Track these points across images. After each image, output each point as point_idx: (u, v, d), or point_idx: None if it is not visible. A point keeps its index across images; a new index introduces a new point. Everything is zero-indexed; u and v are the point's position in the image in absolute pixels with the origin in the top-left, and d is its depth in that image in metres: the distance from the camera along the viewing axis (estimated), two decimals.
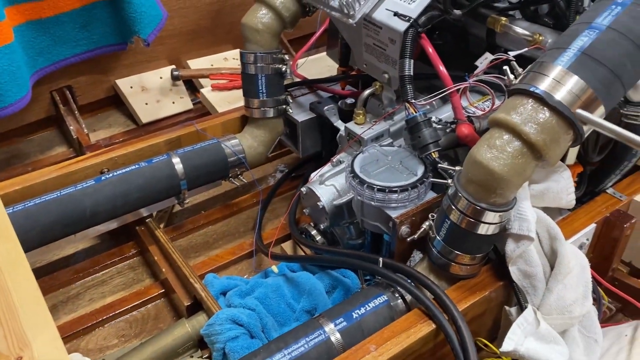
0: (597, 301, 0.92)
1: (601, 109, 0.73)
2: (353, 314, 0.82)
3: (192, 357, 1.03)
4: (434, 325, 0.79)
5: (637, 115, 0.89)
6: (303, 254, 1.18)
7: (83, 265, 1.21)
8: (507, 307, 0.87)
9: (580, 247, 0.97)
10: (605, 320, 1.04)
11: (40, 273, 1.19)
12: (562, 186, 0.91)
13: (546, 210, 0.97)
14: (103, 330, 1.11)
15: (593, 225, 0.98)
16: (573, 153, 0.97)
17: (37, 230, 1.02)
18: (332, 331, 0.79)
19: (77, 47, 1.43)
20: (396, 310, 0.84)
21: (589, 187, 1.06)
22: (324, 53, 1.54)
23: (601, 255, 1.04)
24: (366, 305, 0.83)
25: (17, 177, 1.10)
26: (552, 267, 0.84)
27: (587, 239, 0.98)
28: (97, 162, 1.16)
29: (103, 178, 1.10)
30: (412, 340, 0.77)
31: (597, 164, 1.06)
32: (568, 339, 0.84)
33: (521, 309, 0.83)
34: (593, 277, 0.89)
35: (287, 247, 1.26)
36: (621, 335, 0.93)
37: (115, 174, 1.11)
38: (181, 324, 1.05)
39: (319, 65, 1.66)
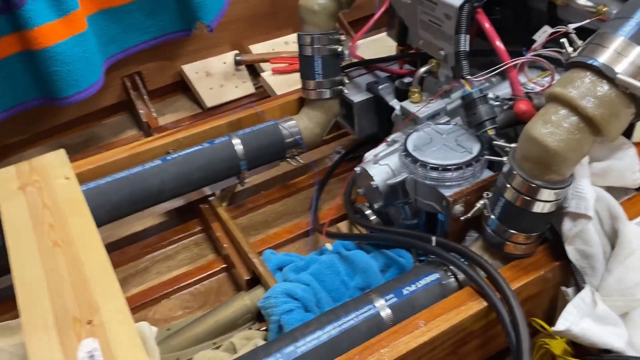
0: None
1: None
2: (404, 290, 0.82)
3: (250, 328, 1.08)
4: (485, 304, 0.79)
5: None
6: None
7: (151, 240, 1.29)
8: (563, 288, 0.85)
9: None
10: None
11: (111, 248, 1.27)
12: (627, 164, 0.87)
13: (610, 189, 0.93)
14: (169, 302, 1.18)
15: None
16: None
17: (108, 207, 1.09)
18: (383, 306, 0.80)
19: (145, 34, 1.50)
20: (448, 288, 0.84)
21: None
22: (384, 34, 1.53)
23: None
24: (417, 283, 0.83)
25: (88, 158, 1.18)
26: (613, 248, 0.81)
27: None
28: (163, 143, 1.22)
29: (168, 158, 1.16)
30: (462, 317, 0.77)
31: None
32: (629, 322, 0.81)
33: (578, 289, 0.81)
34: None
35: (343, 227, 1.28)
36: None
37: (179, 154, 1.16)
38: (240, 297, 1.10)
39: (378, 46, 1.66)
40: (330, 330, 0.78)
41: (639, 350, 0.80)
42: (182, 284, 1.19)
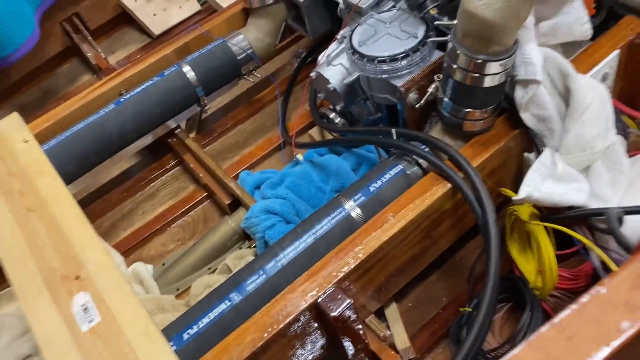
0: (623, 131, 0.89)
1: None
2: (370, 187, 0.84)
3: (240, 248, 1.12)
4: (449, 185, 0.80)
5: None
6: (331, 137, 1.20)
7: (130, 183, 1.30)
8: (526, 154, 0.86)
9: (604, 79, 0.92)
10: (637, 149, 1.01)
11: (94, 197, 1.29)
12: (574, 17, 0.84)
13: (564, 45, 0.92)
14: (161, 238, 1.21)
15: (617, 52, 0.91)
16: None
17: (74, 161, 1.08)
18: (352, 207, 0.82)
19: None
20: (413, 177, 0.85)
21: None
22: None
23: (632, 83, 0.98)
24: (382, 178, 0.84)
25: (45, 114, 1.16)
26: (568, 106, 0.81)
27: (611, 68, 0.92)
28: (113, 86, 1.19)
29: (122, 100, 1.13)
30: (428, 203, 0.79)
31: None
32: (592, 174, 0.82)
33: (539, 154, 0.82)
34: (617, 108, 0.86)
35: (315, 133, 1.28)
36: None
37: (132, 94, 1.14)
38: (225, 221, 1.12)
39: None
40: (307, 239, 0.81)
41: (603, 199, 0.83)
42: (169, 219, 1.21)
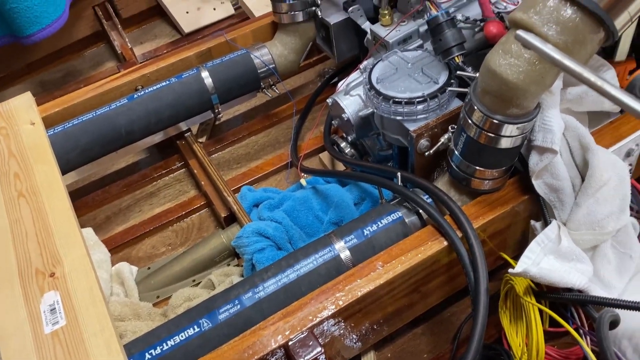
0: (638, 214, 0.85)
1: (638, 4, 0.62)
2: (364, 230, 0.80)
3: (228, 265, 1.09)
4: (445, 243, 0.76)
5: None
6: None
7: (133, 178, 1.28)
8: (532, 222, 0.82)
9: (629, 155, 0.88)
10: None
11: (94, 187, 1.27)
12: None
13: (591, 114, 0.88)
14: (152, 240, 1.19)
15: None
16: (625, 47, 0.85)
17: (78, 150, 1.07)
18: (342, 248, 0.79)
19: None
20: (410, 227, 0.82)
21: None
22: None
23: None
24: (379, 222, 0.81)
25: (57, 98, 1.15)
26: (583, 180, 0.77)
27: (637, 145, 0.88)
28: (130, 80, 1.17)
29: (135, 96, 1.12)
30: (421, 258, 0.75)
31: None
32: (598, 255, 0.78)
33: (547, 224, 0.78)
34: (636, 188, 0.81)
35: (325, 157, 1.25)
36: None
37: (146, 91, 1.12)
38: (217, 235, 1.10)
39: None
40: (290, 274, 0.77)
41: (607, 283, 0.78)
42: (164, 222, 1.19)
